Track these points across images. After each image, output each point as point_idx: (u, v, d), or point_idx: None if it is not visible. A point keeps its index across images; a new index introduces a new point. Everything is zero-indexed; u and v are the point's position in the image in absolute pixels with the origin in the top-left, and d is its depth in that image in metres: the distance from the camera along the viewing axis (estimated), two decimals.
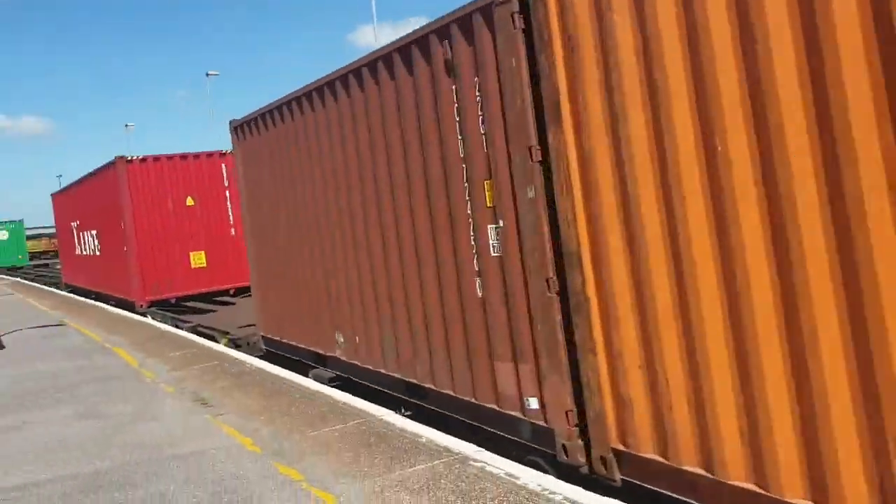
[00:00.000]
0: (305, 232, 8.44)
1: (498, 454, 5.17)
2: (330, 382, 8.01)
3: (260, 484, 5.07)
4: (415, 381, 6.56)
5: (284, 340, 9.38)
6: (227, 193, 16.90)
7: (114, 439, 6.52)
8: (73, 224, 23.94)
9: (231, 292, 16.98)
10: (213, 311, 15.84)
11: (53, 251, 78.48)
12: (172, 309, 16.35)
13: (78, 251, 23.49)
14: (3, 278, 40.16)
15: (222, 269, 16.82)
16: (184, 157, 16.91)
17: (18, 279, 38.75)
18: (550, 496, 4.28)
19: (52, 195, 27.82)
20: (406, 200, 6.33)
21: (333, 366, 8.21)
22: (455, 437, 5.75)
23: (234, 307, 15.72)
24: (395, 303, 6.75)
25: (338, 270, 7.77)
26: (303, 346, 8.85)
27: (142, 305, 16.43)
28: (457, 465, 4.98)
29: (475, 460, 5.04)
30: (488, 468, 4.87)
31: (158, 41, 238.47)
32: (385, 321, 6.96)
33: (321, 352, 8.39)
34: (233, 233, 16.72)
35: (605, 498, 4.14)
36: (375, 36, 37.54)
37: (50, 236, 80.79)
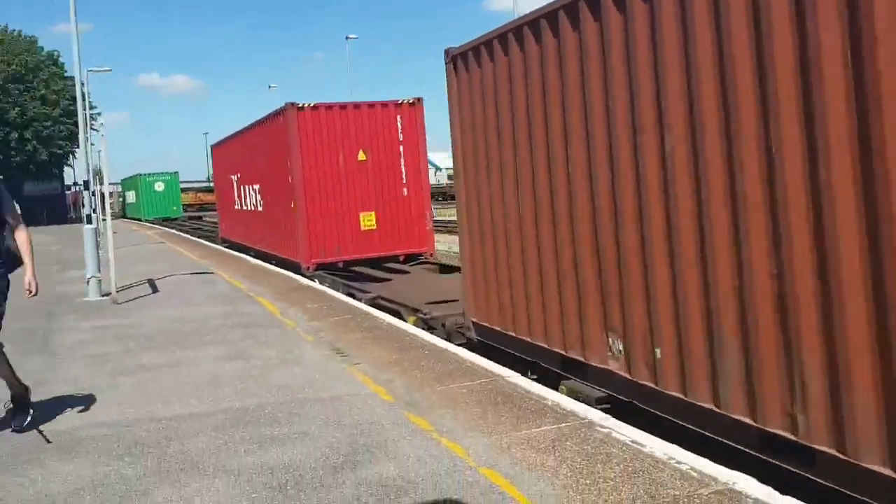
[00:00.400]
0: (560, 195, 6.44)
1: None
2: (598, 404, 5.92)
3: (393, 430, 5.35)
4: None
5: (511, 333, 7.54)
6: (401, 149, 15.68)
7: (259, 380, 7.00)
8: (233, 177, 22.96)
9: (401, 259, 15.87)
10: (387, 279, 14.25)
11: (199, 204, 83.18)
12: (341, 274, 15.21)
13: (238, 206, 22.57)
14: (155, 228, 42.59)
15: (392, 233, 15.76)
16: (357, 106, 15.55)
17: (174, 231, 39.56)
18: (676, 465, 4.32)
19: (211, 147, 26.93)
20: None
21: (601, 381, 6.14)
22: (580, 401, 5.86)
23: (409, 277, 14.42)
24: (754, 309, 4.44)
25: (623, 250, 5.65)
26: (544, 345, 6.94)
27: (308, 268, 15.32)
28: (583, 430, 5.09)
29: (601, 426, 5.13)
30: (614, 434, 4.95)
31: (298, 2, 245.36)
32: (724, 333, 4.70)
33: (580, 358, 6.35)
34: (405, 193, 15.66)
35: (735, 472, 4.14)
36: (514, 2, 37.01)
37: (196, 190, 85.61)
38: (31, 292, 5.75)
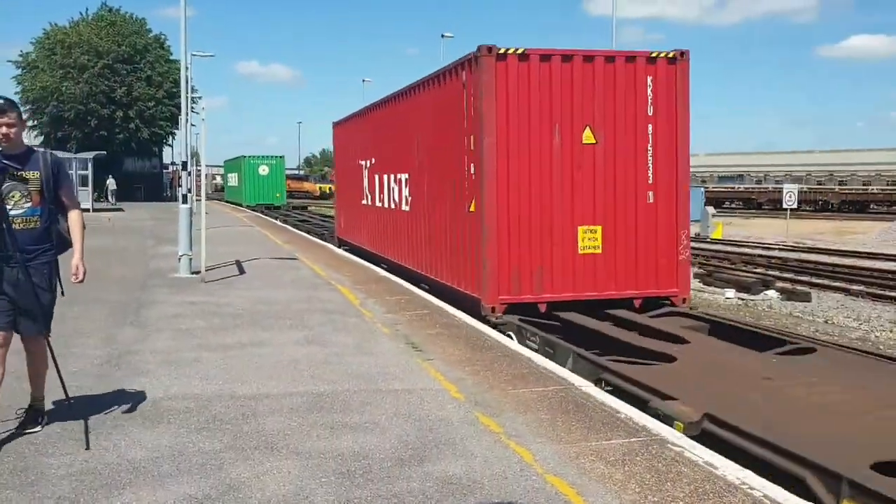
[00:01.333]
0: None
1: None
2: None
3: (462, 429, 5.39)
4: None
5: None
6: (650, 128, 10.22)
7: (336, 366, 7.15)
8: (362, 163, 17.77)
9: (636, 305, 10.20)
10: (659, 353, 7.91)
11: (293, 191, 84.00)
12: (546, 325, 9.58)
13: (366, 201, 17.39)
14: (260, 218, 36.72)
15: (625, 262, 10.23)
16: (589, 57, 10.14)
17: (277, 221, 35.16)
18: (749, 490, 4.21)
19: (333, 124, 21.57)
20: None
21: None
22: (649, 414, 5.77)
23: (691, 352, 7.95)
24: None
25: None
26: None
27: (494, 310, 9.86)
28: (654, 446, 5.01)
29: (673, 444, 5.04)
30: (686, 453, 4.85)
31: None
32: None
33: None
34: (650, 198, 10.22)
35: (805, 503, 4.01)
36: (613, 8, 36.34)
37: (294, 178, 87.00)
38: (77, 277, 5.22)
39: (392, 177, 14.87)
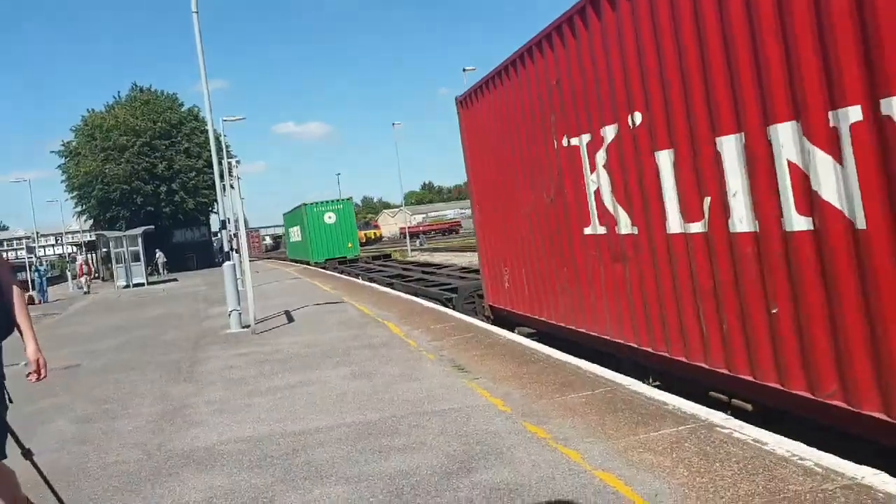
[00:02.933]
0: None
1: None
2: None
3: (508, 438, 5.37)
4: None
5: None
6: None
7: (383, 395, 7.19)
8: (571, 141, 8.14)
9: None
10: None
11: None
12: None
13: (597, 226, 7.81)
14: (336, 277, 27.65)
15: None
16: None
17: (361, 281, 25.24)
18: (799, 461, 4.12)
19: (458, 102, 12.28)
20: None
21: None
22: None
23: None
24: None
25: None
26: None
27: None
28: (703, 431, 4.93)
29: (722, 427, 4.96)
30: (735, 434, 4.77)
31: (418, 41, 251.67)
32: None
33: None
34: None
35: (863, 467, 3.90)
36: None
37: None
38: (39, 375, 3.99)
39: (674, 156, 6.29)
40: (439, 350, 9.32)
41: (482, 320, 11.93)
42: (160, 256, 46.77)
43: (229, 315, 14.05)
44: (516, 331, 10.61)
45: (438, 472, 4.81)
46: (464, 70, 52.66)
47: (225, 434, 6.47)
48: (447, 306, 14.34)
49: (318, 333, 12.20)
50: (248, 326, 13.58)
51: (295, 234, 49.98)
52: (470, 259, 39.53)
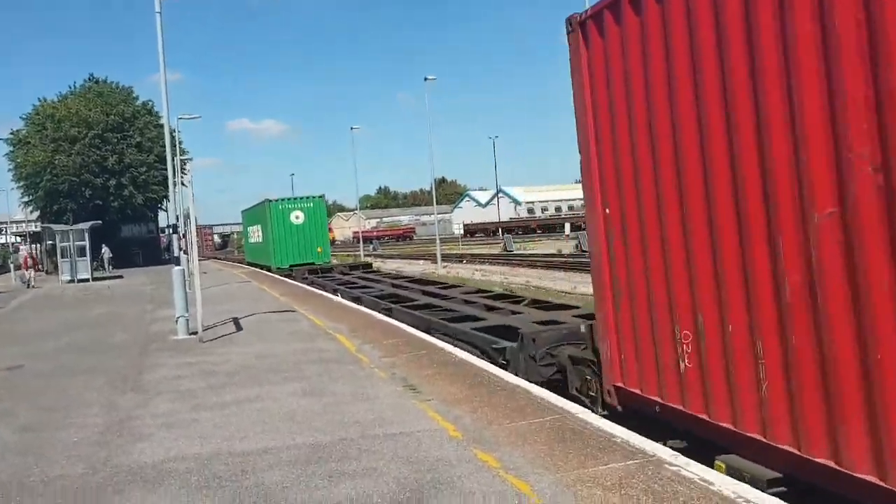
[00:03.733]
0: None
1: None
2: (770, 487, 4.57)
3: (459, 467, 5.41)
4: None
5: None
6: None
7: (333, 416, 7.17)
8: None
9: None
10: None
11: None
12: None
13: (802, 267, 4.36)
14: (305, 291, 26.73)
15: None
16: None
17: (331, 295, 21.13)
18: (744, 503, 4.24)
19: (575, 21, 6.75)
20: None
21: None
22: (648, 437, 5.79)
23: None
24: None
25: None
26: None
27: None
28: (650, 467, 5.04)
29: (670, 464, 5.07)
30: (682, 472, 4.88)
31: (380, 45, 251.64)
32: None
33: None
34: None
35: None
36: None
37: None
38: None
39: None
40: (391, 367, 9.33)
41: (590, 408, 7.17)
42: (106, 251, 45.77)
43: (177, 321, 13.85)
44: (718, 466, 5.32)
45: (389, 501, 4.82)
46: (426, 79, 52.76)
47: (172, 450, 6.38)
48: (494, 362, 9.52)
49: (268, 344, 12.10)
50: (195, 333, 13.39)
51: (255, 234, 42.30)
52: (423, 268, 39.57)
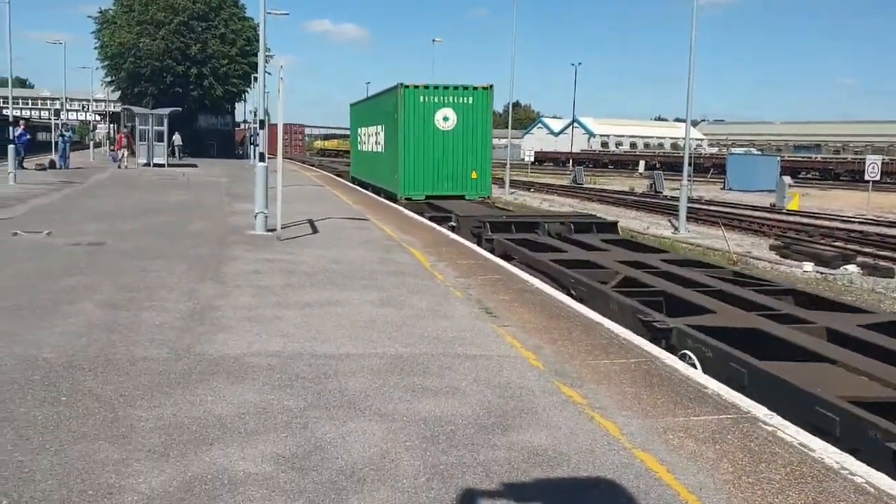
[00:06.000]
0: None
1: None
2: None
3: (543, 398, 5.31)
4: None
5: None
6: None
7: (413, 329, 7.13)
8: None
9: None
10: None
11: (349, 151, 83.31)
12: None
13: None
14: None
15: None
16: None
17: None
18: (849, 476, 4.04)
19: None
20: None
21: None
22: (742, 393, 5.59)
23: None
24: None
25: None
26: None
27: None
28: (745, 424, 4.85)
29: (765, 423, 4.87)
30: (780, 433, 4.68)
31: None
32: None
33: None
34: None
35: None
36: None
37: (346, 137, 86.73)
38: None
39: None
40: (466, 288, 9.23)
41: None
42: (177, 138, 46.31)
43: (255, 216, 13.96)
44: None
45: (474, 424, 4.76)
46: (433, 41, 50.01)
47: (254, 345, 6.43)
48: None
49: (344, 249, 12.11)
50: (272, 230, 13.49)
51: (370, 138, 28.25)
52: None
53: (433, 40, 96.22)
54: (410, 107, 21.53)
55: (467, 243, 13.64)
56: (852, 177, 54.26)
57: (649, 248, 13.82)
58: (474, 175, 22.10)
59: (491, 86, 21.95)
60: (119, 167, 35.13)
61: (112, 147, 45.81)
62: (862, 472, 4.09)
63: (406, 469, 4.06)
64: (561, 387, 5.57)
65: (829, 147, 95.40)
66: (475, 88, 21.86)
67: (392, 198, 22.61)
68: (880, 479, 4.00)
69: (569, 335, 7.14)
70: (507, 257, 12.22)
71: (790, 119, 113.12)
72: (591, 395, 5.41)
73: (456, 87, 21.80)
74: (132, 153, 38.66)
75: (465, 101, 21.84)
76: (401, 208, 19.96)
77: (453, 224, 16.65)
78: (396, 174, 22.00)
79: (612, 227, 15.81)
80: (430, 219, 17.61)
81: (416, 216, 18.12)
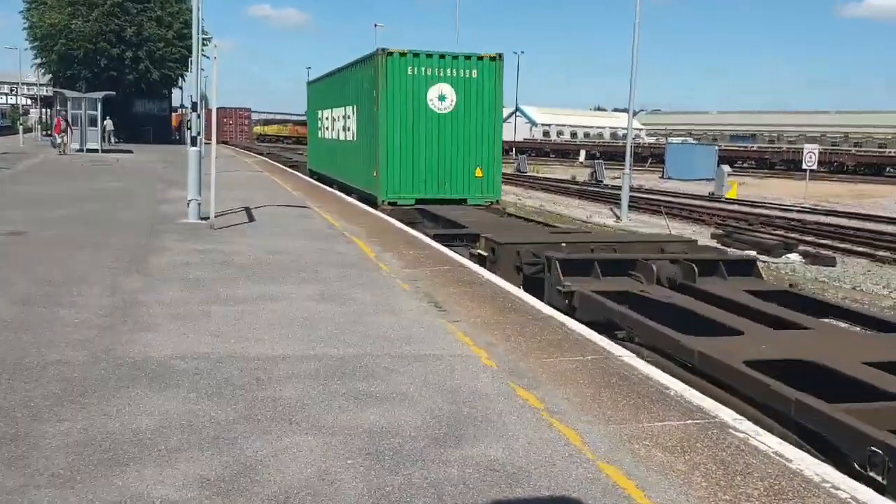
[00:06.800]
0: None
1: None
2: None
3: (498, 403, 4.90)
4: None
5: None
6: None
7: (356, 326, 6.65)
8: None
9: None
10: None
11: (296, 137, 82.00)
12: None
13: None
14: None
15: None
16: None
17: None
18: (833, 490, 3.72)
19: None
20: None
21: None
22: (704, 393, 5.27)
23: None
24: None
25: None
26: None
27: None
28: (713, 431, 4.51)
29: (735, 429, 4.54)
30: (752, 441, 4.35)
31: None
32: None
33: None
34: None
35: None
36: None
37: (301, 123, 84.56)
38: None
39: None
40: (414, 280, 8.76)
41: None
42: (108, 124, 44.49)
43: (188, 204, 13.25)
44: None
45: (424, 435, 4.31)
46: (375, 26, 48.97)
47: (181, 346, 5.87)
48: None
49: (282, 239, 11.53)
50: (206, 219, 12.82)
51: (334, 123, 22.69)
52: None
53: (374, 25, 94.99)
54: (395, 81, 16.33)
55: (413, 232, 13.11)
56: (787, 166, 55.42)
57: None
58: (479, 173, 17.06)
59: (500, 55, 16.90)
60: (60, 153, 33.46)
61: (48, 132, 43.66)
62: (846, 486, 3.77)
63: (347, 492, 3.60)
64: (516, 389, 5.17)
65: (763, 137, 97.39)
66: (480, 58, 16.74)
67: (368, 201, 17.54)
68: (866, 494, 3.69)
69: (521, 330, 6.75)
70: (599, 324, 7.34)
71: (725, 109, 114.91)
72: (549, 398, 5.02)
73: (455, 57, 16.68)
74: (47, 136, 36.81)
75: (468, 75, 16.69)
76: (382, 215, 15.56)
77: (481, 252, 10.40)
78: (375, 171, 16.78)
79: (748, 266, 9.30)
80: (436, 237, 12.43)
81: (410, 231, 13.24)
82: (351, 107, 19.90)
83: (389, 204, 16.48)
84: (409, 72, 16.36)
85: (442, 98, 16.54)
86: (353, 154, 19.90)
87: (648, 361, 6.05)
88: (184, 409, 4.58)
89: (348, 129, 20.36)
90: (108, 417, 4.40)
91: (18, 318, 6.45)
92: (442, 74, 16.47)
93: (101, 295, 7.42)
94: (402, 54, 16.32)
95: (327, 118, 24.16)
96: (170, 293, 7.62)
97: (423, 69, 16.43)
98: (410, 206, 16.39)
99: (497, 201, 17.51)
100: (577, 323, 7.19)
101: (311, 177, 27.14)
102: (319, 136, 26.35)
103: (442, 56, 16.53)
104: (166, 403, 4.65)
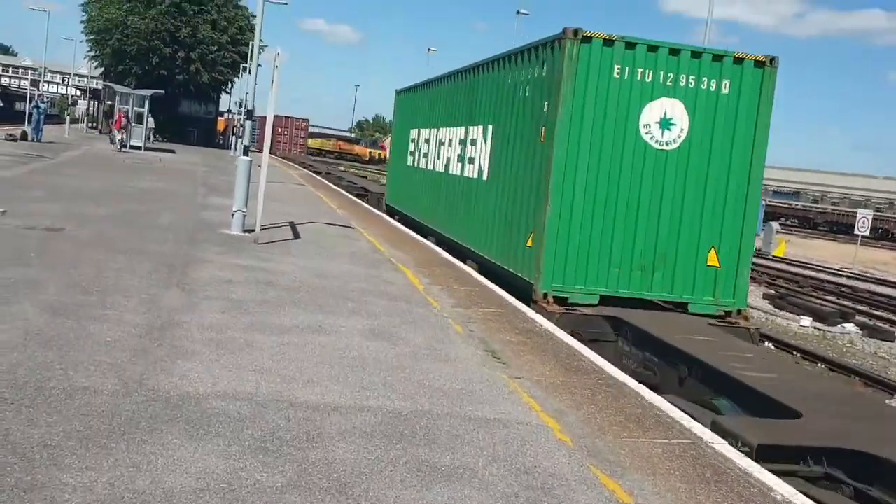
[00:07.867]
0: None
1: None
2: None
3: (581, 493, 4.22)
4: None
5: None
6: None
7: (411, 374, 6.00)
8: None
9: None
10: None
11: (337, 151, 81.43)
12: None
13: None
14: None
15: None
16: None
17: None
18: None
19: None
20: None
21: None
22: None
23: None
24: None
25: None
26: None
27: None
28: None
29: None
30: None
31: None
32: None
33: None
34: None
35: None
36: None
37: (345, 139, 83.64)
38: None
39: None
40: (466, 322, 8.13)
41: None
42: (150, 121, 44.43)
43: (232, 214, 12.74)
44: None
45: None
46: (517, 13, 50.40)
47: (221, 381, 5.26)
48: None
49: (328, 261, 10.96)
50: (250, 231, 12.30)
51: (441, 148, 16.24)
52: None
53: (428, 49, 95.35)
54: (589, 87, 9.86)
55: (463, 266, 12.48)
56: (830, 227, 54.00)
57: None
58: (713, 258, 10.33)
59: (772, 59, 10.17)
60: (117, 149, 32.93)
61: (94, 123, 43.19)
62: None
63: None
64: (600, 476, 4.49)
65: (807, 195, 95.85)
66: (738, 60, 10.13)
67: (505, 282, 11.01)
68: None
69: (592, 398, 6.07)
70: None
71: (769, 164, 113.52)
72: (637, 490, 4.34)
73: (697, 54, 10.10)
74: (93, 128, 36.26)
75: (712, 87, 10.10)
76: (430, 245, 13.78)
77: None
78: (531, 238, 10.35)
79: None
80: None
81: (460, 265, 11.40)
82: (478, 127, 13.27)
83: (556, 301, 9.75)
84: (615, 73, 9.87)
85: (666, 124, 10.01)
86: (478, 201, 12.94)
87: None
88: (224, 466, 3.95)
89: (471, 161, 13.54)
90: (138, 470, 3.79)
91: (46, 331, 5.90)
92: (668, 83, 9.97)
93: (137, 310, 6.86)
94: (608, 42, 9.84)
95: (428, 141, 17.43)
96: (210, 315, 7.04)
97: (637, 72, 9.92)
98: (594, 304, 9.94)
99: (741, 311, 10.44)
100: (653, 394, 6.49)
101: (390, 215, 20.90)
102: (410, 163, 19.36)
103: (673, 51, 10.01)
104: (204, 458, 4.03)
